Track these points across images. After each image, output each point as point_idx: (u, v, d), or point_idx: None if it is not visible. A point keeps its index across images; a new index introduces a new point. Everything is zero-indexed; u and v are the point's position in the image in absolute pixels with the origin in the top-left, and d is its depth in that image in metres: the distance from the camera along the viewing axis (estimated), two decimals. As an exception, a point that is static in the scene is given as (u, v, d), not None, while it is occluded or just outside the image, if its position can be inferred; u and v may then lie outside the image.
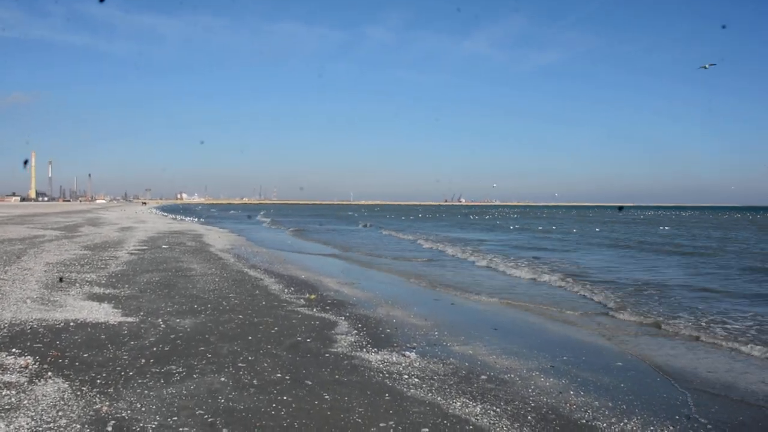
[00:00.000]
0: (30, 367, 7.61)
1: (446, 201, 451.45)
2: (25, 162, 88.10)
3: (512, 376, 8.22)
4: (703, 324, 12.44)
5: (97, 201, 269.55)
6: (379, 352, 9.08)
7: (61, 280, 12.91)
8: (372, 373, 7.90)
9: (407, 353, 9.08)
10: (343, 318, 11.60)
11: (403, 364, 8.46)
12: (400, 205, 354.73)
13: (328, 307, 12.67)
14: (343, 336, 10.04)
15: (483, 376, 8.10)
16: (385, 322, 11.47)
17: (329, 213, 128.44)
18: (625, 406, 7.07)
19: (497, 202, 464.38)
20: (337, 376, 7.68)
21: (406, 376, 7.84)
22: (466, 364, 8.73)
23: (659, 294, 16.61)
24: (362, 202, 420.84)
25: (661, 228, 67.30)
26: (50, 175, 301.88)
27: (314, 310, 12.30)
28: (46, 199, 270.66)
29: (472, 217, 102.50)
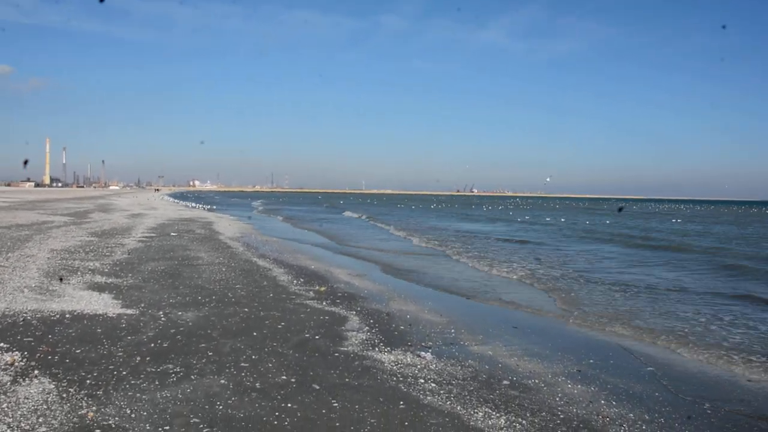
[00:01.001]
0: (16, 364, 7.06)
1: (458, 191, 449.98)
2: (25, 162, 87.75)
3: (536, 381, 7.59)
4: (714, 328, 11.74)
5: (110, 187, 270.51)
6: (393, 352, 8.47)
7: (61, 280, 12.39)
8: (385, 376, 7.29)
9: (423, 354, 8.46)
10: (354, 313, 10.99)
11: (419, 366, 7.84)
12: (412, 195, 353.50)
13: (338, 301, 12.07)
14: (354, 333, 9.43)
15: (505, 381, 7.47)
16: (399, 318, 10.86)
17: (328, 201, 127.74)
18: (663, 420, 6.42)
19: (509, 193, 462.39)
20: (347, 380, 7.06)
21: (422, 380, 7.22)
22: (486, 366, 8.10)
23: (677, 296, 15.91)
24: (374, 191, 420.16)
25: (673, 221, 66.30)
26: (64, 161, 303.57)
27: (324, 303, 11.70)
28: (59, 185, 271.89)
29: (485, 208, 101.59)
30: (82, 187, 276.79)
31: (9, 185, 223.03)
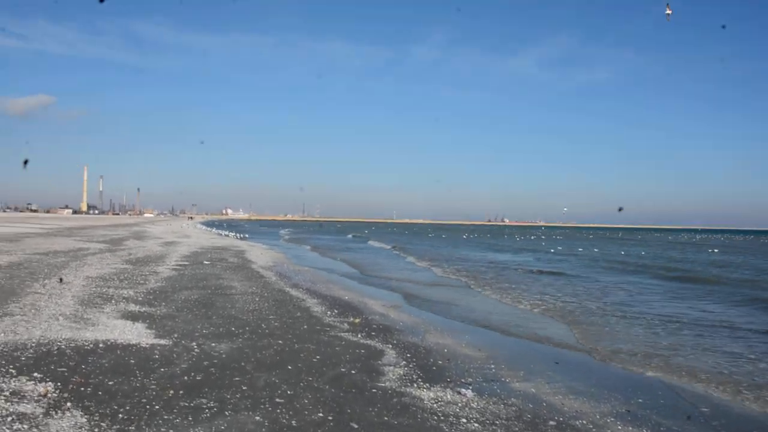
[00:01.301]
0: (49, 395, 6.91)
1: (489, 221, 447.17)
2: (25, 162, 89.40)
3: (584, 422, 7.22)
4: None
5: (145, 215, 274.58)
6: (432, 389, 8.16)
7: (61, 281, 12.32)
8: (425, 415, 6.98)
9: (463, 390, 8.14)
10: (390, 346, 10.70)
11: (460, 405, 7.52)
12: (443, 224, 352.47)
13: (373, 333, 11.80)
14: (391, 368, 9.15)
15: (551, 422, 7.11)
16: (436, 352, 10.55)
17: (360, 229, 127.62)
18: (724, 468, 6.01)
19: (542, 223, 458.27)
20: (386, 418, 6.78)
21: (464, 420, 6.90)
22: (530, 405, 7.75)
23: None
24: (405, 221, 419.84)
25: (710, 251, 64.78)
26: (101, 189, 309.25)
27: (359, 336, 11.44)
28: (96, 212, 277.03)
29: (517, 238, 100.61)
30: (118, 214, 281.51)
31: (48, 212, 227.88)
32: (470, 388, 8.35)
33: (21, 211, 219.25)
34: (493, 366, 9.90)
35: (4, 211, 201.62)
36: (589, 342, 12.74)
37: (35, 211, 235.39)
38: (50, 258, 23.71)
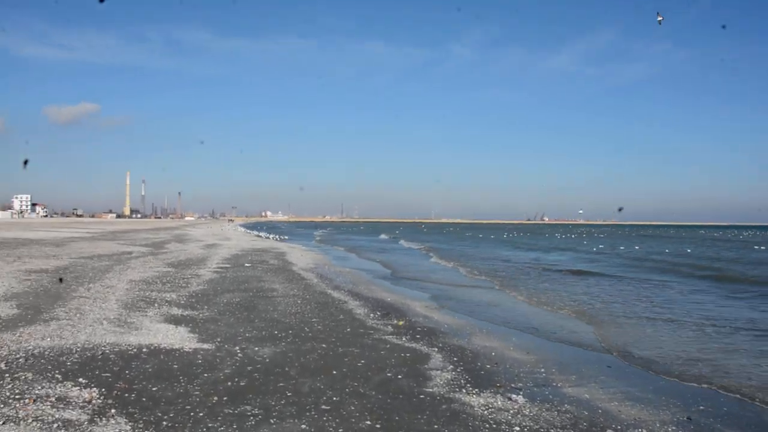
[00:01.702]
0: (94, 401, 6.83)
1: (529, 219, 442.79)
2: (25, 162, 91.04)
3: (644, 431, 6.85)
4: None
5: (186, 218, 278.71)
6: (481, 394, 7.88)
7: (60, 281, 12.33)
8: (476, 423, 6.71)
9: (514, 396, 7.84)
10: (436, 350, 10.44)
11: (511, 411, 7.22)
12: (482, 224, 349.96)
13: (418, 336, 11.55)
14: (438, 372, 8.88)
15: (609, 431, 6.77)
16: (483, 356, 10.25)
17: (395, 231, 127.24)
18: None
19: (582, 221, 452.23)
20: (436, 426, 6.52)
21: (518, 429, 6.61)
22: (585, 412, 7.41)
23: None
24: (443, 220, 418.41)
25: (756, 247, 62.81)
26: (143, 194, 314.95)
27: (403, 339, 11.20)
28: (139, 216, 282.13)
29: (558, 236, 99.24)
30: (160, 218, 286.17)
31: (93, 217, 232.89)
32: (521, 393, 8.04)
33: (67, 216, 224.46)
34: (543, 370, 9.56)
35: (51, 217, 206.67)
36: (639, 346, 12.27)
37: (81, 216, 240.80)
38: (95, 262, 24.01)
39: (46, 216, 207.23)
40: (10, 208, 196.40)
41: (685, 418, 7.40)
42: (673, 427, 7.03)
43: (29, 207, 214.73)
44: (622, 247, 60.88)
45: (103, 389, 7.26)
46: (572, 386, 8.69)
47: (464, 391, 8.00)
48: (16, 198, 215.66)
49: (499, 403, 7.56)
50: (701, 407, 7.97)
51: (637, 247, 60.36)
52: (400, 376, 8.49)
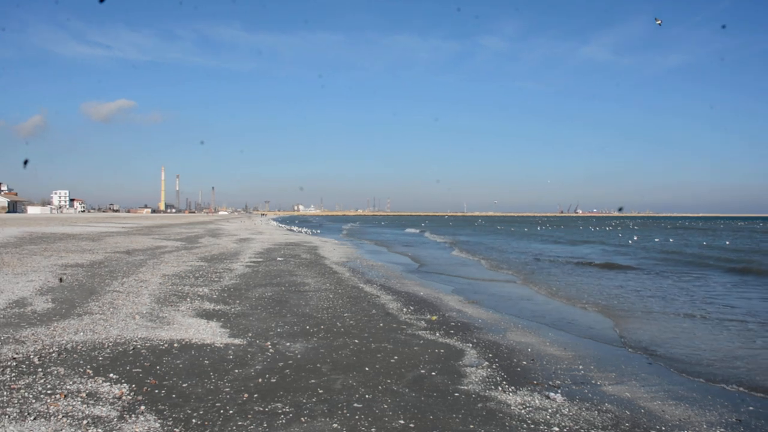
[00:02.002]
0: (124, 397, 6.76)
1: (561, 212, 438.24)
2: (25, 162, 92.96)
3: (691, 432, 6.54)
4: None
5: (220, 212, 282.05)
6: (518, 392, 7.63)
7: (61, 281, 12.34)
8: (514, 423, 6.46)
9: (552, 395, 7.57)
10: (471, 345, 10.19)
11: (550, 411, 6.96)
12: (514, 216, 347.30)
13: (452, 331, 11.31)
14: (473, 369, 8.65)
15: None
16: (519, 352, 9.98)
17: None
18: None
19: (615, 213, 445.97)
20: (471, 426, 6.29)
21: (557, 429, 6.34)
22: (627, 412, 7.11)
23: None
24: (476, 213, 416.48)
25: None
26: (177, 189, 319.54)
27: (437, 334, 10.97)
28: (173, 210, 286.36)
29: (592, 229, 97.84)
30: (194, 212, 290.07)
31: (129, 211, 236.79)
32: (559, 391, 7.77)
33: (104, 211, 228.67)
34: (581, 367, 9.26)
35: (89, 212, 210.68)
36: (680, 343, 11.87)
37: (117, 211, 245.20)
38: (129, 256, 24.22)
39: (84, 211, 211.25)
40: (49, 204, 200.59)
41: (734, 420, 7.07)
42: (722, 429, 6.71)
43: (68, 202, 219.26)
44: (656, 239, 59.68)
45: (134, 385, 7.19)
46: (612, 384, 8.39)
47: (500, 388, 7.76)
48: (56, 194, 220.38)
49: (537, 401, 7.31)
50: (751, 407, 7.61)
51: (671, 240, 58.98)
52: (434, 373, 8.28)
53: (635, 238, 62.59)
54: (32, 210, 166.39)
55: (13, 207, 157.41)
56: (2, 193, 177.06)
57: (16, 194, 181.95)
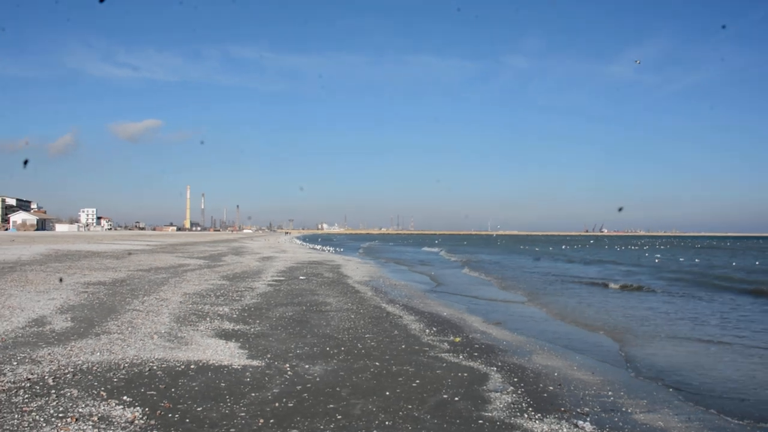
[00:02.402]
0: (136, 422, 6.56)
1: (587, 231, 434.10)
2: (25, 162, 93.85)
3: (731, 465, 6.16)
4: None
5: (244, 231, 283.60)
6: (545, 420, 7.30)
7: (60, 281, 12.20)
8: (541, 453, 6.15)
9: (581, 423, 7.24)
10: (495, 369, 9.86)
11: (579, 440, 6.62)
12: (539, 235, 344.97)
13: (476, 354, 10.99)
14: (498, 394, 8.33)
15: (690, 464, 6.11)
16: (545, 376, 9.63)
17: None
18: None
19: (642, 232, 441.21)
20: (496, 456, 5.99)
21: (587, 460, 6.02)
22: (661, 442, 6.75)
23: None
24: (500, 232, 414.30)
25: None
26: (203, 207, 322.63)
27: (461, 356, 10.66)
28: (198, 228, 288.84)
29: (618, 249, 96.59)
30: (219, 230, 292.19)
31: (155, 229, 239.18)
32: (588, 419, 7.43)
33: (130, 229, 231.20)
34: (610, 393, 8.90)
35: (115, 229, 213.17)
36: (715, 371, 11.44)
37: (143, 229, 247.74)
38: (151, 274, 24.21)
39: (111, 229, 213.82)
40: (77, 221, 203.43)
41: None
42: (763, 462, 6.32)
43: (95, 220, 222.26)
44: (681, 259, 58.60)
45: (147, 408, 7.00)
46: (643, 412, 8.02)
47: (526, 415, 7.43)
48: (83, 212, 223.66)
49: (565, 430, 6.98)
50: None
51: (697, 260, 57.70)
52: (457, 398, 7.98)
53: (658, 256, 61.55)
54: (60, 228, 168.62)
55: (42, 225, 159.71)
56: (32, 211, 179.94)
57: (44, 212, 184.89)
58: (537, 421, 7.23)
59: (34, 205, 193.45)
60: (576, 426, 7.13)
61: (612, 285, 28.79)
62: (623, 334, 14.72)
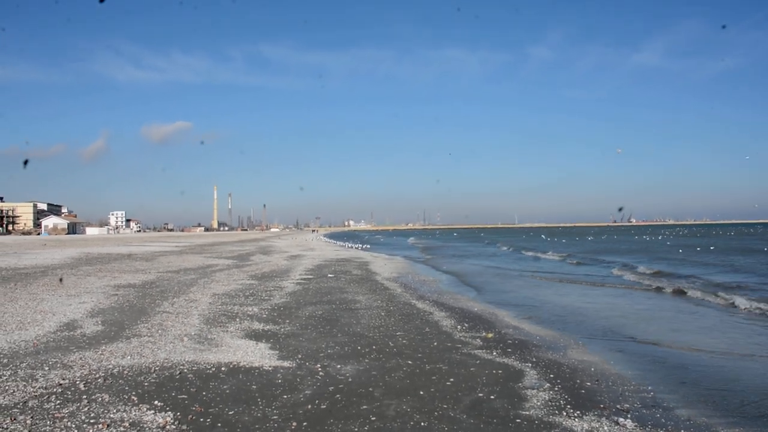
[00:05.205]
0: (168, 427, 6.47)
1: (614, 222, 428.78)
2: (25, 162, 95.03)
3: (783, 463, 5.90)
4: None
5: (271, 229, 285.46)
6: (584, 417, 7.07)
7: (60, 281, 12.17)
8: (583, 453, 5.93)
9: (621, 420, 6.99)
10: (530, 365, 9.64)
11: (622, 439, 6.39)
12: (565, 227, 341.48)
13: (509, 350, 10.77)
14: (534, 391, 8.11)
15: (740, 463, 5.85)
16: (582, 372, 9.38)
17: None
18: None
19: (671, 221, 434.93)
20: (537, 457, 5.79)
21: (632, 460, 5.79)
22: (707, 439, 6.49)
23: None
24: (527, 225, 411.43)
25: None
26: (230, 207, 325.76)
27: (494, 353, 10.44)
28: (226, 228, 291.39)
29: (646, 238, 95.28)
30: (246, 230, 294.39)
31: (183, 230, 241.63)
32: (629, 416, 7.18)
33: (159, 231, 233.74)
34: (650, 388, 8.61)
35: (144, 231, 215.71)
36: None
37: (171, 230, 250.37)
38: (180, 276, 24.31)
39: (140, 231, 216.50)
40: (107, 224, 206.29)
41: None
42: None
43: (124, 223, 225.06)
44: (711, 247, 57.55)
45: (179, 413, 6.91)
46: (686, 407, 7.75)
47: (564, 413, 7.21)
48: (113, 214, 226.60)
49: (606, 428, 6.74)
50: None
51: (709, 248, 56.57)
52: (492, 397, 7.78)
53: (680, 251, 60.56)
54: (90, 231, 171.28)
55: (73, 228, 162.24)
56: (63, 215, 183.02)
57: (75, 216, 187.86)
58: (576, 419, 7.00)
59: (64, 210, 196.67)
60: (617, 423, 6.89)
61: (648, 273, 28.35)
62: (670, 333, 14.38)
